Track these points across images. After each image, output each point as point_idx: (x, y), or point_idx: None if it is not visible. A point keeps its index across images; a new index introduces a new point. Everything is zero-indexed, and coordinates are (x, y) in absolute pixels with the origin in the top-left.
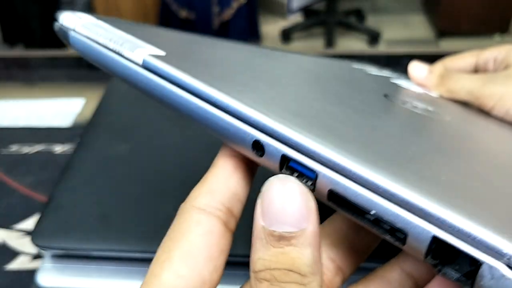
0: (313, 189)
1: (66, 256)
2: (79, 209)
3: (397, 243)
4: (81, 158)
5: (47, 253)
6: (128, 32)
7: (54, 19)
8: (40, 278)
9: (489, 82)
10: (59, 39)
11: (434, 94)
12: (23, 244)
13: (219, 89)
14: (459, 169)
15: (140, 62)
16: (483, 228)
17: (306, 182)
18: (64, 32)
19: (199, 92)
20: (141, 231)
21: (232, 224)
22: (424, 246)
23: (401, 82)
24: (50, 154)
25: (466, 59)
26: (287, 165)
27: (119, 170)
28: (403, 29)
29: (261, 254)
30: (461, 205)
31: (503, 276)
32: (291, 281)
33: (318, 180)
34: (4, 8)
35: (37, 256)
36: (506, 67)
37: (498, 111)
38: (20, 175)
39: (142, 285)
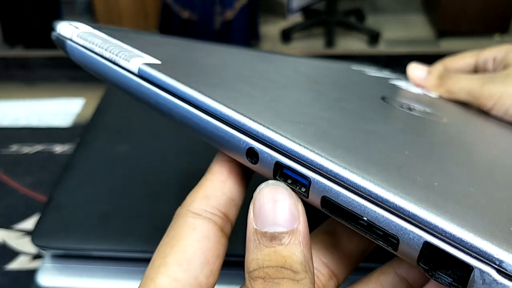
0: (306, 196)
1: (66, 256)
2: (79, 209)
3: (389, 249)
4: (81, 158)
5: (47, 253)
6: (124, 41)
7: (54, 20)
8: (40, 278)
9: (488, 82)
10: None
11: (433, 94)
12: (23, 244)
13: (214, 97)
14: (452, 174)
15: (136, 71)
16: (474, 234)
17: (300, 188)
18: (61, 41)
19: (193, 101)
20: (141, 231)
21: (228, 229)
22: (416, 251)
23: (401, 83)
24: (50, 154)
25: (466, 59)
26: (281, 172)
27: (119, 170)
28: (403, 29)
29: (255, 255)
30: (452, 211)
31: (494, 281)
32: (284, 277)
33: (311, 187)
34: (4, 8)
35: (37, 256)
36: (505, 66)
37: (498, 110)
38: (20, 175)
39: None
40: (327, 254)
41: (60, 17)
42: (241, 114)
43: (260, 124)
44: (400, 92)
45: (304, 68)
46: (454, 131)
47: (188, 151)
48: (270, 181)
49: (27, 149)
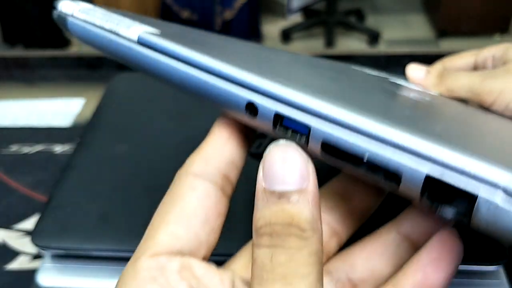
0: (306, 144)
1: (66, 256)
2: (79, 209)
3: (392, 186)
4: (81, 158)
5: (47, 253)
6: (124, 16)
7: (53, 20)
8: (40, 278)
9: (488, 78)
10: (59, 39)
11: (433, 93)
12: (23, 244)
13: (212, 55)
14: (455, 128)
15: (135, 38)
16: (475, 161)
17: (300, 139)
18: (63, 18)
19: (192, 61)
20: (141, 231)
21: (229, 190)
22: (418, 186)
23: (400, 81)
24: (50, 154)
25: (465, 58)
26: (280, 124)
27: (119, 170)
28: (403, 29)
29: (262, 213)
30: (453, 144)
31: (498, 207)
32: (291, 234)
33: (311, 134)
34: (4, 8)
35: (37, 256)
36: (505, 63)
37: (499, 106)
38: (20, 175)
39: (138, 247)
40: (328, 212)
41: None
42: (239, 68)
43: (259, 76)
44: (400, 87)
45: (303, 58)
46: (455, 108)
47: (188, 151)
48: (281, 141)
49: (27, 149)
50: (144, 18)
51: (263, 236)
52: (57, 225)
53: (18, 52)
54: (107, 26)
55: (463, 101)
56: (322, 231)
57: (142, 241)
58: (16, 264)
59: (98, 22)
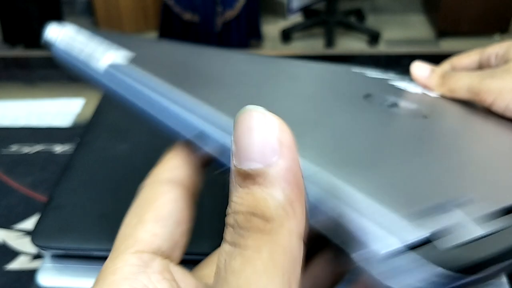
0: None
1: (66, 256)
2: (79, 209)
3: None
4: (81, 158)
5: (47, 253)
6: (107, 39)
7: (54, 19)
8: (40, 278)
9: (487, 77)
10: None
11: (434, 94)
12: (23, 244)
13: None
14: (395, 165)
15: (102, 71)
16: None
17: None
18: (49, 44)
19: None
20: None
21: (196, 195)
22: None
23: (402, 84)
24: (50, 154)
25: (471, 56)
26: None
27: (119, 170)
28: (403, 29)
29: (231, 197)
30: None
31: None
32: (252, 227)
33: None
34: (4, 8)
35: (37, 256)
36: (506, 62)
37: (498, 106)
38: (20, 175)
39: (115, 246)
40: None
41: (60, 17)
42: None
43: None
44: (393, 91)
45: (289, 68)
46: (426, 127)
47: None
48: (248, 106)
49: (27, 149)
50: (130, 39)
51: (228, 227)
52: (57, 225)
53: (18, 52)
54: (82, 57)
55: (466, 103)
56: (301, 216)
57: (119, 240)
58: (16, 264)
59: (75, 53)
